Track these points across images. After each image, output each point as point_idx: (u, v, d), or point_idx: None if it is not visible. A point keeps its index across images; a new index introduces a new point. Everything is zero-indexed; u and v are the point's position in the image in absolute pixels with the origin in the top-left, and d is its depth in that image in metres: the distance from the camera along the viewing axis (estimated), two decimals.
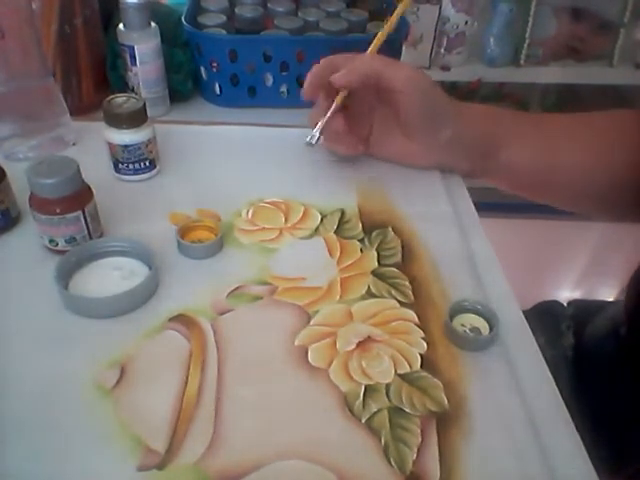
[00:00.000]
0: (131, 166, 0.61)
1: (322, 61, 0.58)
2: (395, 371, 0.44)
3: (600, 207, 0.63)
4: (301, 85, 0.74)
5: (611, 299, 0.70)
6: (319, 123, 0.57)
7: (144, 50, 0.68)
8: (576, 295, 1.76)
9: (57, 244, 0.51)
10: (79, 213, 0.50)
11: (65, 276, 0.49)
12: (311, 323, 0.48)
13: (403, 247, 0.55)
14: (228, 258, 0.53)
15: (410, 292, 0.51)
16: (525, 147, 0.59)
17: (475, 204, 0.62)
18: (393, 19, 0.60)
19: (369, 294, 0.51)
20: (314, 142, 0.57)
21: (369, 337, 0.47)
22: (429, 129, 0.58)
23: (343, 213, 0.59)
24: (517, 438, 0.41)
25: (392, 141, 0.62)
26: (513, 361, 0.46)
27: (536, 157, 0.60)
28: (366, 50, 0.73)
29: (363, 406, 0.42)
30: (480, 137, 0.59)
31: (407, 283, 0.52)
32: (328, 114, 0.57)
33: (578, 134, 0.60)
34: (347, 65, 0.57)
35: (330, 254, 0.54)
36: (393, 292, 0.51)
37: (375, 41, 0.60)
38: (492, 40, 1.88)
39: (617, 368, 0.62)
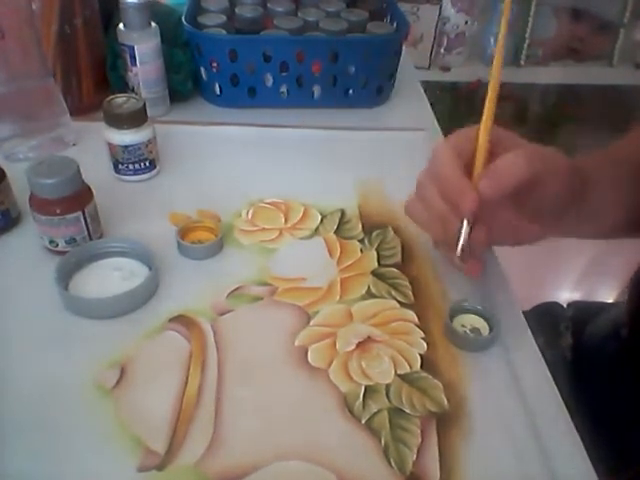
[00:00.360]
0: (131, 166, 0.61)
1: (448, 157, 0.44)
2: (395, 372, 0.44)
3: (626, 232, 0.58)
4: (301, 85, 0.75)
5: (611, 300, 0.70)
6: (464, 231, 0.45)
7: (144, 50, 0.68)
8: (576, 296, 1.76)
9: (57, 245, 0.51)
10: (79, 214, 0.50)
11: (65, 277, 0.49)
12: (311, 323, 0.48)
13: (403, 247, 0.55)
14: (228, 259, 0.53)
15: (410, 292, 0.51)
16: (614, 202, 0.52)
17: None
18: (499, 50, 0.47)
19: (369, 294, 0.51)
20: (460, 254, 0.45)
21: (369, 337, 0.47)
22: (566, 209, 0.47)
23: (343, 213, 0.59)
24: (517, 438, 0.41)
25: (507, 226, 0.49)
26: (513, 361, 0.46)
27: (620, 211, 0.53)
28: (366, 50, 0.73)
29: (363, 407, 0.42)
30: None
31: (407, 283, 0.52)
32: (465, 226, 0.45)
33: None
34: (489, 165, 0.44)
35: (330, 254, 0.54)
36: (393, 292, 0.51)
37: (494, 75, 0.46)
38: (492, 40, 1.88)
39: (617, 369, 0.62)
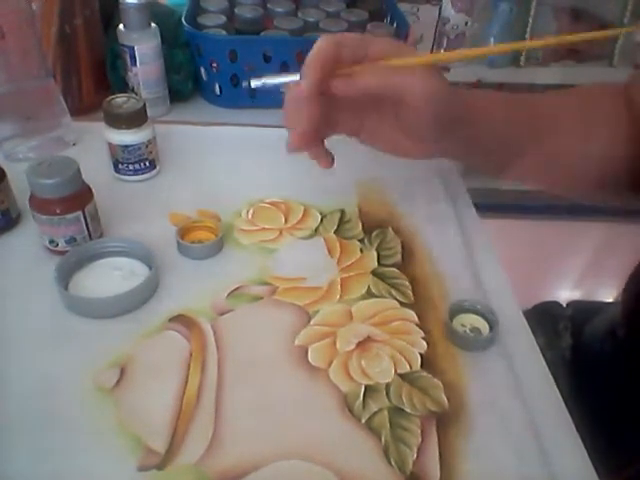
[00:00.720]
0: (131, 166, 0.61)
1: (325, 45, 0.47)
2: (395, 371, 0.44)
3: (597, 189, 0.59)
4: None
5: (610, 300, 0.70)
6: (282, 78, 0.51)
7: (144, 50, 0.68)
8: (576, 295, 1.76)
9: (57, 244, 0.51)
10: (79, 213, 0.50)
11: (65, 276, 0.49)
12: (311, 323, 0.48)
13: (403, 247, 0.55)
14: (228, 258, 0.53)
15: (410, 292, 0.51)
16: (533, 145, 0.55)
17: (475, 204, 0.62)
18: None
19: (369, 294, 0.51)
20: (253, 84, 0.51)
21: (369, 337, 0.47)
22: (435, 138, 0.51)
23: (343, 213, 0.59)
24: (517, 438, 0.41)
25: (387, 133, 0.53)
26: (513, 361, 0.46)
27: (539, 150, 0.55)
28: None
29: (363, 406, 0.42)
30: (492, 140, 0.54)
31: (407, 283, 0.52)
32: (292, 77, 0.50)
33: (571, 118, 0.56)
34: (355, 64, 0.48)
35: (330, 254, 0.54)
36: (393, 292, 0.51)
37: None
38: (492, 40, 1.88)
39: (615, 369, 0.62)
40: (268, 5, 0.80)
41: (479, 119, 0.52)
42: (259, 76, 0.51)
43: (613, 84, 0.58)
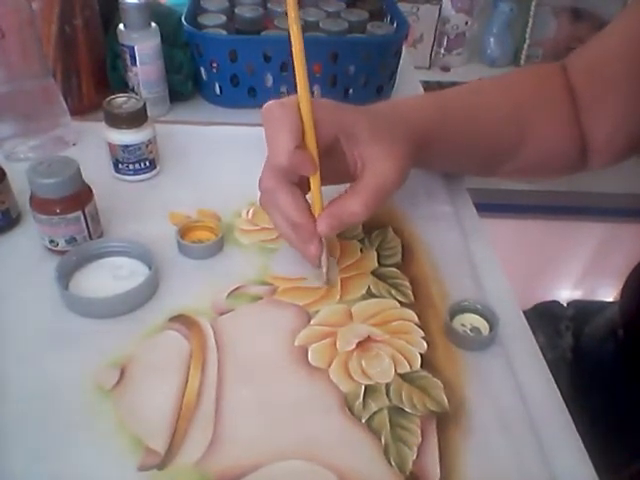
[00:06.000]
0: (131, 166, 0.61)
1: (291, 198, 0.47)
2: (395, 371, 0.44)
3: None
4: None
5: (611, 299, 0.70)
6: (323, 260, 0.50)
7: (144, 50, 0.68)
8: (576, 295, 1.76)
9: (57, 244, 0.51)
10: (79, 213, 0.50)
11: (65, 276, 0.49)
12: (311, 323, 0.48)
13: (403, 247, 0.55)
14: (228, 258, 0.53)
15: (410, 292, 0.51)
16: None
17: (475, 204, 0.62)
18: None
19: (369, 294, 0.51)
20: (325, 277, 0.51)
21: (369, 337, 0.47)
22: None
23: None
24: (517, 438, 0.41)
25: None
26: (513, 361, 0.46)
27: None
28: (366, 50, 0.73)
29: (363, 406, 0.42)
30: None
31: (407, 283, 0.52)
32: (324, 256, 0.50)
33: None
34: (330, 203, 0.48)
35: (330, 254, 0.54)
36: (393, 292, 0.51)
37: None
38: (492, 40, 1.88)
39: (615, 369, 0.62)
40: (268, 5, 0.80)
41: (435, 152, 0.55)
42: None
43: (547, 65, 0.62)
